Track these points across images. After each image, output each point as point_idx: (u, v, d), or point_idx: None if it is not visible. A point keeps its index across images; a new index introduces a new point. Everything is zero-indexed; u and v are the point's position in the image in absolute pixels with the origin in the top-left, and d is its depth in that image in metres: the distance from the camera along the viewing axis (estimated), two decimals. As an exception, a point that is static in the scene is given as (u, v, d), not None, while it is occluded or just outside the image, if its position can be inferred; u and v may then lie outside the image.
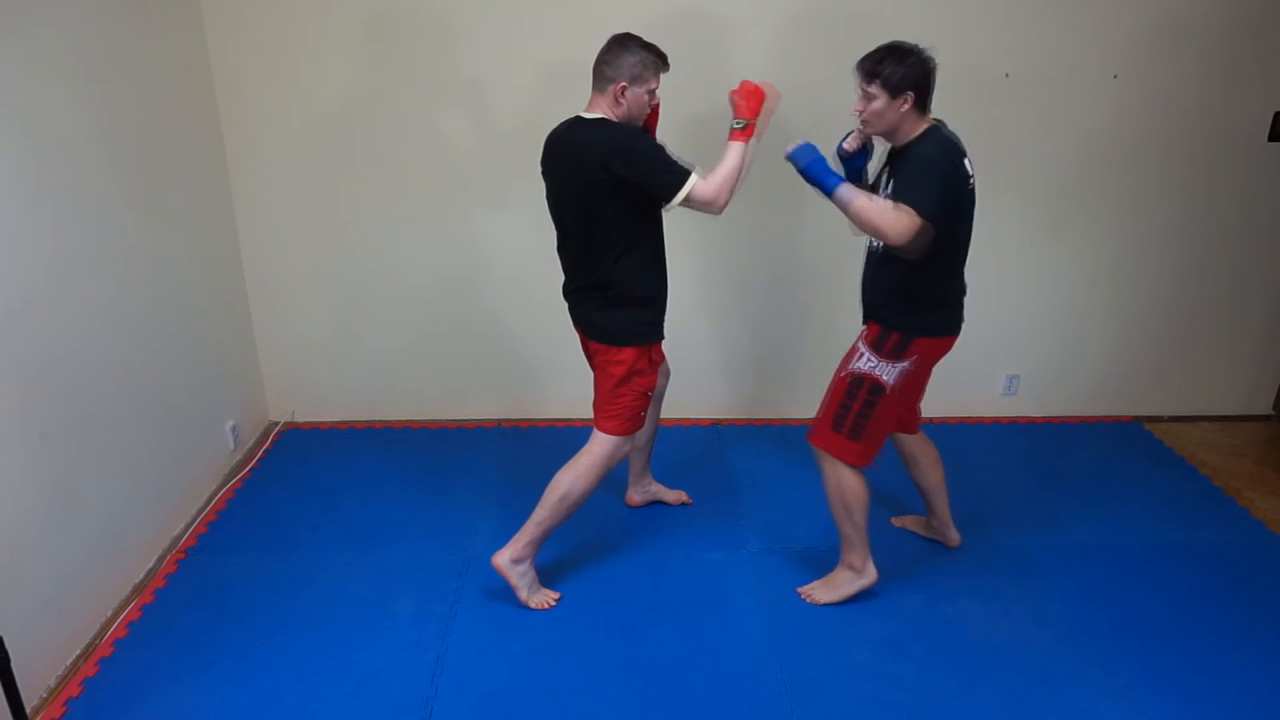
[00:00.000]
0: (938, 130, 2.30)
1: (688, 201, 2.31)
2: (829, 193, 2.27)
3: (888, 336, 2.42)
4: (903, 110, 2.24)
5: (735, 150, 2.36)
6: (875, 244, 2.45)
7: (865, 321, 2.52)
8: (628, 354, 2.48)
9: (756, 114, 2.37)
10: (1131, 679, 2.40)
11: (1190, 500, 3.26)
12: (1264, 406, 3.91)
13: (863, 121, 2.32)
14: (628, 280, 2.43)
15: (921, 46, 2.24)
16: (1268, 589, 2.76)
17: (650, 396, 2.58)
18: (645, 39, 2.39)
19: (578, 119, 2.40)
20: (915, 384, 2.53)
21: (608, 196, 2.33)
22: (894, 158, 2.37)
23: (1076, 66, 3.29)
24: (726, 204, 2.34)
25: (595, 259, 2.43)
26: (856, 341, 2.51)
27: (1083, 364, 3.78)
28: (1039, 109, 3.33)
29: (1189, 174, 3.48)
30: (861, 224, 2.24)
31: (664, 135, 2.59)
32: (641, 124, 2.47)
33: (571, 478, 2.55)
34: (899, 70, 2.21)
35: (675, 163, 2.33)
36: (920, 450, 2.80)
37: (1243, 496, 3.28)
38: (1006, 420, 3.84)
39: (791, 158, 2.31)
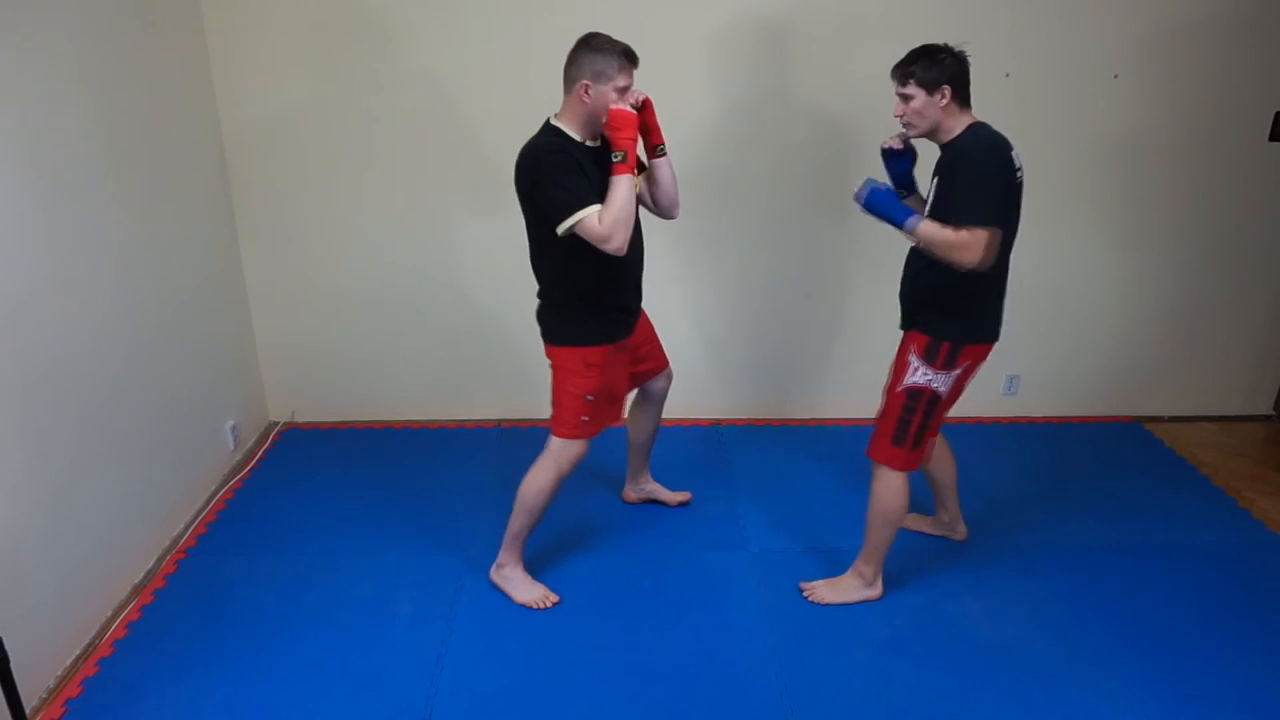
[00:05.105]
0: (982, 125, 2.29)
1: (583, 234, 2.25)
2: (900, 227, 2.29)
3: (938, 346, 2.41)
4: (942, 105, 2.24)
5: (619, 185, 2.26)
6: (916, 244, 2.41)
7: (906, 326, 2.51)
8: (557, 353, 2.55)
9: (633, 142, 2.28)
10: (1131, 679, 2.40)
11: (1190, 500, 3.26)
12: (1264, 406, 3.91)
13: (905, 124, 2.33)
14: (559, 283, 2.48)
15: (950, 45, 2.26)
16: (1268, 589, 2.76)
17: (590, 401, 2.55)
18: (611, 36, 2.31)
19: (545, 122, 2.42)
20: (960, 386, 2.54)
21: (529, 204, 2.37)
22: (941, 155, 2.34)
23: (1077, 66, 3.29)
24: (624, 243, 2.26)
25: (535, 258, 2.50)
26: (905, 354, 2.47)
27: (1083, 364, 3.78)
28: (1039, 109, 3.33)
29: (1189, 174, 3.48)
30: (935, 253, 2.26)
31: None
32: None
33: (528, 481, 2.62)
34: (933, 66, 2.23)
35: (576, 192, 2.25)
36: (938, 446, 2.81)
37: (1243, 496, 3.28)
38: (1007, 420, 3.83)
39: (866, 204, 2.33)
